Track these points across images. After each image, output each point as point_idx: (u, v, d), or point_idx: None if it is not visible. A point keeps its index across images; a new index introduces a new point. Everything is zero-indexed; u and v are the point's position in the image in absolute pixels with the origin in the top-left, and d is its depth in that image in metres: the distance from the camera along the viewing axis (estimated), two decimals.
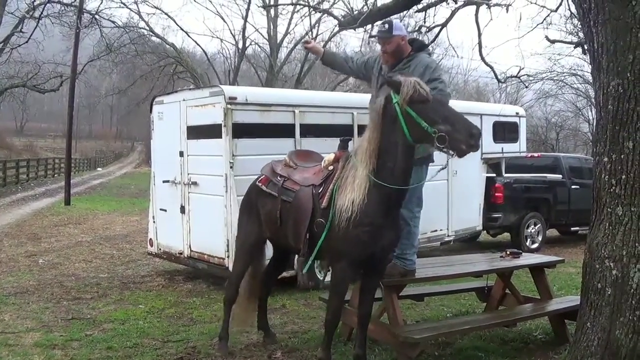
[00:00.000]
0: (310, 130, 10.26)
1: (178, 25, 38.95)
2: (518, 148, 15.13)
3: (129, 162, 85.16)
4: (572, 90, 43.89)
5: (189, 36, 58.51)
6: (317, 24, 38.80)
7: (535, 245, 15.13)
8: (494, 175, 14.79)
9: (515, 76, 16.93)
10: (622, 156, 5.32)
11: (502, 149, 14.17)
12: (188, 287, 10.60)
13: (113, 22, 34.07)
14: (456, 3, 12.87)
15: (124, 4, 34.07)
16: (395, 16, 12.53)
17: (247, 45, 40.91)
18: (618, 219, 5.37)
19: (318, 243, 5.91)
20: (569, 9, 14.65)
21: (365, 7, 11.81)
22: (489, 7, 12.76)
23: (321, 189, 6.11)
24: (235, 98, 9.59)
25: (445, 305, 9.32)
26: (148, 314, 8.72)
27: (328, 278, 9.64)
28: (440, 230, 12.92)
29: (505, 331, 7.82)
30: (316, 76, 49.91)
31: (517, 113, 15.48)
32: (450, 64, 54.83)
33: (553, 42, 20.12)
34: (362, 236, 5.74)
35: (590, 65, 5.86)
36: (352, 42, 72.70)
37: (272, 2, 27.81)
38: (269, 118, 10.01)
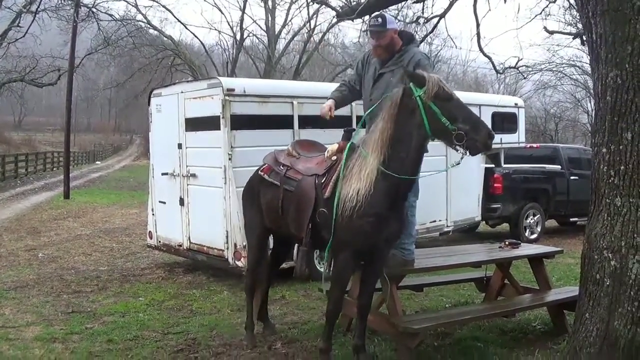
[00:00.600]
0: (309, 122, 10.24)
1: (175, 18, 38.77)
2: (517, 139, 15.13)
3: (127, 155, 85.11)
4: (571, 81, 43.89)
5: (186, 28, 58.15)
6: (315, 15, 38.81)
7: (534, 236, 15.14)
8: (493, 165, 14.80)
9: (514, 67, 16.89)
10: (620, 147, 5.33)
11: (501, 139, 14.17)
12: (188, 279, 10.61)
13: (110, 15, 33.99)
14: None
15: None
16: (393, 7, 12.51)
17: (245, 36, 40.92)
18: (617, 209, 5.39)
19: (330, 236, 5.91)
20: (568, 0, 14.64)
21: None
22: None
23: (324, 178, 6.11)
24: (233, 90, 9.58)
25: (444, 295, 9.34)
26: (148, 307, 8.73)
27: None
28: (440, 220, 12.93)
29: (504, 321, 7.84)
30: (314, 67, 49.91)
31: (515, 104, 15.47)
32: (448, 54, 54.78)
33: (552, 33, 20.11)
34: (366, 227, 5.75)
35: (589, 56, 5.86)
36: (350, 34, 72.61)
37: None
38: (267, 109, 10.00)
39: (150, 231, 11.79)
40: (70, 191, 26.09)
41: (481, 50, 14.59)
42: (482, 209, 14.19)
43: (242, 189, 7.36)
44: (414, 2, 13.34)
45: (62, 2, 31.47)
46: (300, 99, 10.32)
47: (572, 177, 16.07)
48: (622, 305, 5.33)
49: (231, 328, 7.62)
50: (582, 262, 5.81)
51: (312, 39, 40.67)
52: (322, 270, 9.66)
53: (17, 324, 7.79)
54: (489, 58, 15.03)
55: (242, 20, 39.52)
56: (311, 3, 28.52)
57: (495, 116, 14.07)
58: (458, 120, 5.53)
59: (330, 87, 12.49)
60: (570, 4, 15.41)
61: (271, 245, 7.48)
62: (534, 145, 18.70)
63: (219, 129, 9.53)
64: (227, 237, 9.62)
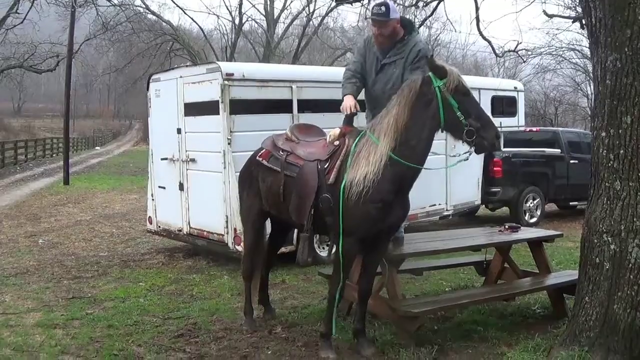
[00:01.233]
0: (308, 106, 10.23)
1: (174, 2, 38.83)
2: (516, 122, 15.12)
3: (127, 140, 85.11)
4: (570, 65, 43.85)
5: (185, 13, 58.45)
6: None
7: (533, 220, 15.13)
8: None
9: (513, 50, 16.88)
10: (620, 131, 5.33)
11: (501, 123, 14.14)
12: (188, 264, 10.63)
13: (108, 0, 33.85)
14: None
15: None
16: None
17: (243, 21, 40.85)
18: (616, 193, 5.39)
19: (334, 221, 5.93)
20: None
21: None
22: None
23: (327, 164, 6.09)
24: (232, 74, 9.57)
25: (444, 279, 9.35)
26: (148, 292, 8.75)
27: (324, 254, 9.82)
28: (439, 204, 12.93)
29: (504, 305, 7.85)
30: (314, 51, 49.79)
31: (515, 87, 15.46)
32: (448, 38, 54.82)
33: (551, 16, 20.09)
34: (373, 212, 5.78)
35: (588, 40, 5.85)
36: (350, 17, 72.43)
37: None
38: (266, 94, 9.99)
39: (150, 216, 11.79)
40: (69, 177, 26.11)
41: (480, 33, 14.58)
42: (481, 192, 14.19)
43: (240, 170, 7.35)
44: None
45: None
46: (299, 83, 10.30)
47: (571, 161, 16.03)
48: (622, 289, 5.35)
49: (231, 312, 7.64)
50: (582, 245, 5.82)
51: (311, 23, 40.54)
52: (322, 254, 9.72)
53: (18, 310, 7.80)
54: (489, 42, 15.03)
55: (240, 4, 39.46)
56: None
57: (495, 100, 14.06)
58: (471, 116, 5.64)
59: (329, 71, 12.53)
60: None
61: (269, 230, 7.48)
62: (534, 129, 18.65)
63: (218, 114, 9.53)
64: (226, 221, 9.63)
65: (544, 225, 14.32)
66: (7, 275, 9.66)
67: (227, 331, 6.95)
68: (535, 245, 7.87)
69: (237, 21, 40.56)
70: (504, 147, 14.98)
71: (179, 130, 10.57)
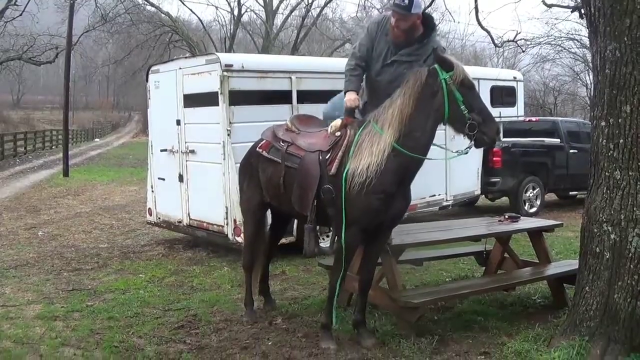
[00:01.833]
0: (308, 97, 10.22)
1: None
2: (516, 112, 15.10)
3: (126, 132, 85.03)
4: (569, 55, 43.81)
5: (184, 4, 57.88)
6: None
7: (533, 210, 15.12)
8: None
9: (512, 40, 16.87)
10: (619, 120, 5.33)
11: (500, 113, 14.11)
12: (188, 256, 10.63)
13: None
14: None
15: None
16: None
17: (242, 12, 40.80)
18: (616, 183, 5.39)
19: (335, 212, 5.93)
20: None
21: None
22: None
23: (329, 155, 6.07)
24: (232, 65, 9.56)
25: (444, 269, 9.36)
26: (148, 283, 8.75)
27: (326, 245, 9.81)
28: (439, 195, 12.93)
29: (504, 295, 7.86)
30: (313, 42, 49.70)
31: (514, 77, 15.43)
32: (447, 28, 54.45)
33: (550, 6, 20.04)
34: (375, 203, 5.78)
35: (587, 30, 5.84)
36: (348, 8, 72.14)
37: None
38: (265, 85, 9.98)
39: (149, 208, 11.79)
40: (69, 169, 26.12)
41: (479, 24, 14.57)
42: (481, 182, 14.19)
43: (240, 161, 7.34)
44: None
45: None
46: (298, 74, 10.29)
47: (571, 151, 16.02)
48: (622, 278, 5.35)
49: (232, 304, 7.64)
50: (582, 235, 5.82)
51: (310, 13, 40.49)
52: (323, 245, 9.72)
53: (18, 302, 7.80)
54: (488, 32, 15.01)
55: None
56: None
57: (494, 90, 14.04)
58: (474, 110, 5.68)
59: (328, 62, 12.52)
60: None
61: (269, 221, 7.48)
62: (533, 118, 18.64)
63: (218, 105, 9.52)
64: (226, 213, 9.63)
65: (543, 215, 14.30)
66: (7, 267, 9.65)
67: (227, 322, 6.95)
68: (535, 235, 7.87)
69: (236, 12, 40.55)
70: (504, 137, 14.97)
71: (178, 122, 10.56)
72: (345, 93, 6.34)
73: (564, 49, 41.64)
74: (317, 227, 6.56)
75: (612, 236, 5.40)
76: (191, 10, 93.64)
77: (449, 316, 7.09)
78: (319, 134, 6.36)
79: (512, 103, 14.89)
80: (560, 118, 20.41)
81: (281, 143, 6.50)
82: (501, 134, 14.73)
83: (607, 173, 5.46)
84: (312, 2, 39.77)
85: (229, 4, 41.05)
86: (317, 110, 7.79)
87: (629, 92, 5.25)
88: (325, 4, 40.26)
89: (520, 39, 17.46)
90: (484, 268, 8.38)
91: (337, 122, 6.19)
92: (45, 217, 15.00)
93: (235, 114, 9.51)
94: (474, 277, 8.67)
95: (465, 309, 7.29)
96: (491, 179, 14.62)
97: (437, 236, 7.40)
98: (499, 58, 54.43)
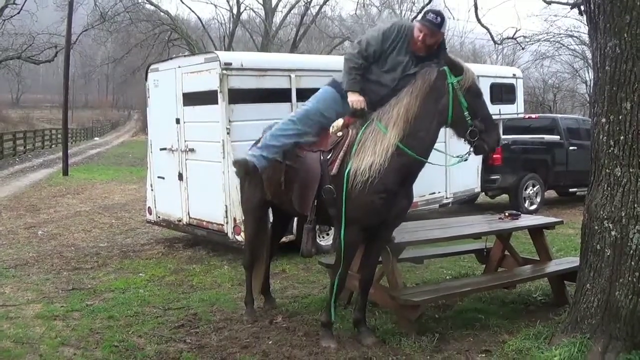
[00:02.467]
0: (307, 95, 10.11)
1: None
2: (515, 109, 15.07)
3: (125, 130, 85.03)
4: (569, 52, 43.92)
5: (183, 3, 58.38)
6: None
7: (533, 207, 15.13)
8: None
9: (512, 38, 16.89)
10: (620, 117, 5.32)
11: (500, 110, 14.09)
12: (188, 254, 10.62)
13: None
14: None
15: None
16: None
17: (241, 10, 40.80)
18: (616, 180, 5.38)
19: (337, 212, 5.91)
20: None
21: None
22: None
23: (330, 155, 6.05)
24: (231, 64, 9.54)
25: (444, 267, 9.36)
26: (148, 282, 8.74)
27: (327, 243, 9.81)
28: (439, 192, 12.91)
29: (504, 293, 7.85)
30: (312, 40, 49.72)
31: (514, 74, 15.41)
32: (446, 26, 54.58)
33: (549, 3, 20.05)
34: (377, 202, 5.79)
35: (587, 26, 5.82)
36: (347, 6, 72.33)
37: None
38: (264, 83, 9.95)
39: (149, 207, 11.78)
40: (69, 168, 26.09)
41: (479, 21, 14.58)
42: (481, 180, 14.19)
43: None
44: None
45: None
46: (298, 72, 10.25)
47: (571, 148, 16.04)
48: (623, 275, 5.34)
49: (232, 302, 7.64)
50: (583, 232, 5.81)
51: (309, 11, 40.48)
52: (322, 244, 9.71)
53: (18, 302, 7.79)
54: (487, 29, 15.02)
55: None
56: None
57: (493, 87, 14.01)
58: (478, 117, 5.71)
59: (327, 60, 12.48)
60: None
61: (271, 219, 7.46)
62: (533, 115, 18.64)
63: (217, 103, 9.50)
64: (226, 211, 9.62)
65: (544, 212, 14.31)
66: (7, 267, 9.64)
67: (227, 321, 6.95)
68: (536, 232, 7.87)
69: (235, 10, 40.53)
70: (503, 134, 14.96)
71: (177, 120, 10.54)
72: (346, 91, 6.13)
73: (564, 45, 41.76)
74: (317, 227, 6.52)
75: (613, 233, 5.39)
76: (190, 8, 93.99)
77: (449, 314, 7.09)
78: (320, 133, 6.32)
79: (511, 100, 14.86)
80: (559, 115, 20.40)
81: None
82: (500, 144, 14.79)
83: (607, 170, 5.45)
84: (311, 0, 39.78)
85: (228, 2, 41.10)
86: None
87: (629, 89, 5.24)
88: (324, 2, 40.29)
89: (520, 36, 17.53)
90: (484, 266, 8.38)
91: (339, 122, 6.13)
92: (44, 216, 14.99)
93: (235, 112, 9.49)
94: (474, 275, 8.67)
95: (465, 307, 7.29)
96: (491, 176, 14.63)
97: (437, 234, 7.40)
98: (499, 55, 54.57)
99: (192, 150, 10.33)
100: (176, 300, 7.82)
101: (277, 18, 43.83)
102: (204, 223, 10.25)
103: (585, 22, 5.97)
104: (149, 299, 7.89)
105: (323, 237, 10.22)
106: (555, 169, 15.99)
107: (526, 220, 8.23)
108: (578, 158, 15.45)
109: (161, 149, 11.07)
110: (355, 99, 6.03)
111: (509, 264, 7.96)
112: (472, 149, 5.82)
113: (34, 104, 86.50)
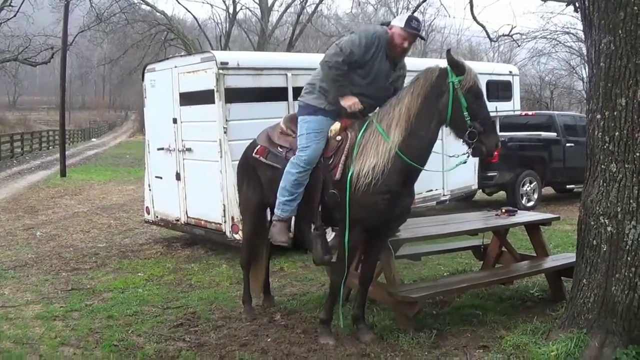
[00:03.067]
0: None
1: None
2: (512, 106, 15.11)
3: (123, 131, 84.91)
4: (565, 49, 43.98)
5: (179, 3, 58.08)
6: None
7: (530, 203, 15.18)
8: None
9: (508, 35, 16.89)
10: (615, 113, 5.33)
11: (496, 107, 14.11)
12: (186, 254, 10.64)
13: None
14: None
15: None
16: None
17: (237, 10, 40.70)
18: (612, 175, 5.39)
19: (342, 215, 5.90)
20: None
21: None
22: None
23: (331, 160, 6.04)
24: (227, 63, 9.56)
25: (442, 264, 9.39)
26: (147, 282, 8.76)
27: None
28: (436, 190, 12.95)
29: (502, 289, 7.88)
30: (308, 39, 49.61)
31: (510, 71, 15.44)
32: (442, 23, 54.71)
33: (545, 0, 20.02)
34: (381, 203, 5.80)
35: (582, 23, 5.85)
36: (344, 5, 72.29)
37: None
38: (261, 82, 9.97)
39: (147, 207, 11.80)
40: (66, 169, 26.07)
41: (474, 18, 14.58)
42: (478, 177, 14.22)
43: (238, 162, 7.33)
44: None
45: None
46: (294, 70, 10.27)
47: (567, 144, 16.07)
48: (619, 270, 5.36)
49: (230, 301, 7.66)
50: (579, 228, 5.83)
51: (305, 10, 40.41)
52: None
53: (17, 303, 7.80)
54: (483, 26, 15.02)
55: None
56: None
57: (490, 84, 14.03)
58: (477, 119, 5.67)
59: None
60: None
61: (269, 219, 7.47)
62: (530, 112, 18.66)
63: (214, 103, 9.51)
64: (224, 210, 9.63)
65: (541, 209, 14.36)
66: (6, 268, 9.65)
67: (226, 320, 6.97)
68: (533, 228, 7.89)
69: (231, 10, 40.43)
70: (500, 131, 14.97)
71: (174, 120, 10.55)
72: (339, 96, 6.13)
73: (560, 42, 41.82)
74: (325, 232, 6.50)
75: (609, 229, 5.41)
76: (186, 8, 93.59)
77: (447, 310, 7.11)
78: None
79: (508, 97, 14.90)
80: (556, 112, 20.42)
81: (279, 148, 6.46)
82: (498, 148, 14.81)
83: (603, 166, 5.47)
84: None
85: (224, 1, 40.96)
86: None
87: (624, 85, 5.26)
88: (320, 1, 40.20)
89: (516, 33, 17.54)
90: (481, 262, 8.40)
91: (337, 126, 6.12)
92: (43, 217, 15.00)
93: (232, 111, 9.51)
94: (472, 271, 8.68)
95: (463, 303, 7.31)
96: (488, 173, 14.67)
97: (434, 231, 7.41)
98: (495, 52, 54.59)
99: (189, 149, 10.34)
100: (175, 299, 7.84)
101: (274, 17, 43.81)
102: (202, 222, 10.27)
103: (581, 19, 5.99)
104: (148, 298, 7.91)
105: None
106: (552, 166, 16.02)
107: (523, 216, 8.25)
108: (575, 155, 15.47)
109: (158, 149, 11.08)
110: (350, 103, 6.05)
111: (506, 260, 7.98)
112: (470, 151, 5.77)
113: (31, 106, 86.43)
